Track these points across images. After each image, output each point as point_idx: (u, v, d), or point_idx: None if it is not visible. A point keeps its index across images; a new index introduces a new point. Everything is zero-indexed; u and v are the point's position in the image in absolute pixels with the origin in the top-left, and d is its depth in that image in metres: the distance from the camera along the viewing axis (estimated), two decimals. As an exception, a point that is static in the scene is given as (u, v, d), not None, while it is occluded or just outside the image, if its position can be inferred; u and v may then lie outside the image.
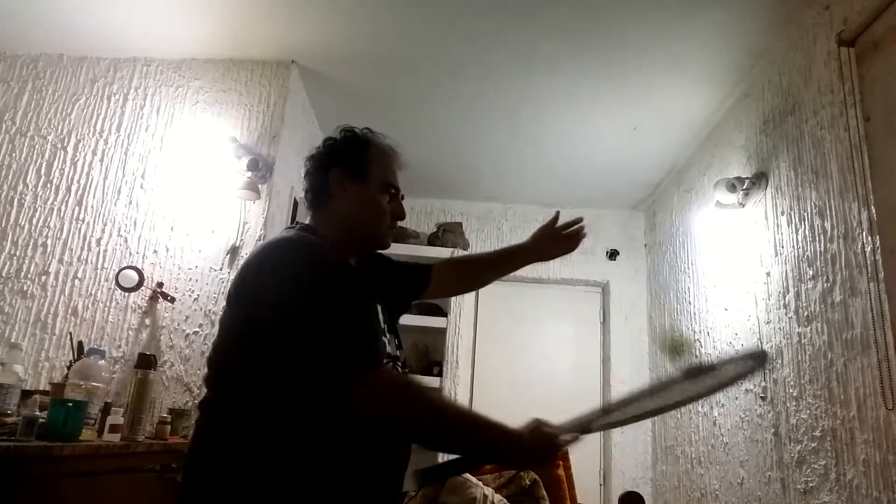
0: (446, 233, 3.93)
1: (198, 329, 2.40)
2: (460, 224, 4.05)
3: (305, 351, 0.95)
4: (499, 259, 1.59)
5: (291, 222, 2.83)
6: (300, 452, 0.97)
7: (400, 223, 1.27)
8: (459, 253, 3.89)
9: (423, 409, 0.99)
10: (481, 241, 4.10)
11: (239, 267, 1.19)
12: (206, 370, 1.11)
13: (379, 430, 0.99)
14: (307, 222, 1.21)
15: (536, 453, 1.02)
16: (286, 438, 0.97)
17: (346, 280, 1.06)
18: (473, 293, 4.03)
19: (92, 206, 2.56)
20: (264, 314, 0.99)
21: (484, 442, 1.00)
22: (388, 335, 1.16)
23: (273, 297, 0.99)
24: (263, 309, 0.99)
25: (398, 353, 1.18)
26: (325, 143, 1.23)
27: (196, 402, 2.27)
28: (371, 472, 1.02)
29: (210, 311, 2.41)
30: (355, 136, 1.21)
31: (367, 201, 1.17)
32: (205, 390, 1.10)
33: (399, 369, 1.16)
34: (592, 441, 3.77)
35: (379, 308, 1.15)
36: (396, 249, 3.70)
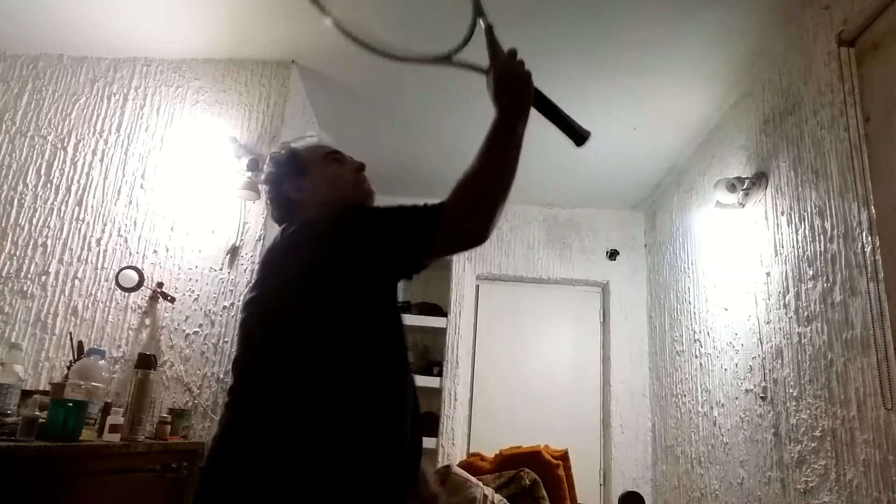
0: (446, 233, 3.93)
1: (198, 329, 2.40)
2: (460, 224, 4.04)
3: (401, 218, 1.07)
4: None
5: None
6: (341, 438, 0.99)
7: None
8: (459, 253, 3.89)
9: (488, 174, 1.14)
10: (481, 241, 4.10)
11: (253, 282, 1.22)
12: (239, 363, 1.12)
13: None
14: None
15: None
16: (328, 426, 0.99)
17: None
18: (474, 293, 4.04)
19: (92, 206, 2.56)
20: (336, 247, 1.06)
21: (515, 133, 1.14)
22: None
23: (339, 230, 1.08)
24: (332, 247, 1.06)
25: None
26: (265, 177, 1.33)
27: (196, 401, 2.29)
28: (399, 457, 1.05)
29: (210, 311, 2.41)
30: (280, 154, 1.32)
31: (325, 179, 1.26)
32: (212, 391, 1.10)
33: None
34: (592, 441, 3.77)
35: None
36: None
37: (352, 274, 1.06)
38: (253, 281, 1.21)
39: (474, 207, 1.09)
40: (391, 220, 1.08)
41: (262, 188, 1.37)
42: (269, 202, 1.33)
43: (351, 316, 1.06)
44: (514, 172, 1.13)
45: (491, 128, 1.12)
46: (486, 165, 1.12)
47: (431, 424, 3.64)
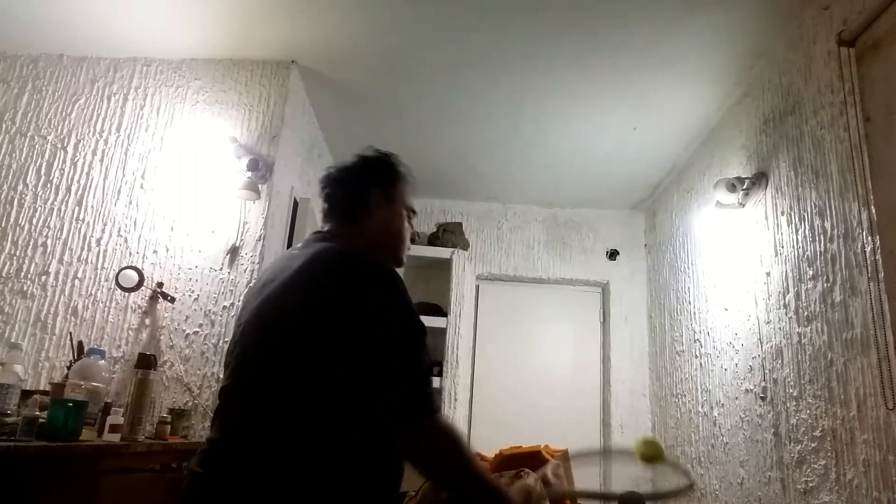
0: (446, 233, 3.93)
1: (198, 329, 2.40)
2: (460, 224, 4.05)
3: (405, 381, 1.04)
4: None
5: (291, 222, 2.84)
6: (347, 462, 1.02)
7: None
8: (459, 253, 3.88)
9: (463, 464, 1.08)
10: (481, 241, 4.10)
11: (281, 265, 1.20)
12: (242, 358, 1.12)
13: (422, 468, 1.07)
14: (328, 229, 1.28)
15: None
16: (339, 447, 1.02)
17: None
18: (474, 293, 4.04)
19: (92, 206, 2.56)
20: (371, 338, 1.03)
21: (487, 497, 1.08)
22: None
23: (394, 332, 1.05)
24: (404, 340, 1.06)
25: None
26: (360, 159, 1.31)
27: (196, 401, 2.29)
28: (391, 474, 1.08)
29: (210, 311, 2.41)
30: (388, 159, 1.32)
31: (397, 222, 1.29)
32: (215, 390, 1.11)
33: None
34: (592, 441, 3.77)
35: None
36: (396, 249, 3.70)
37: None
38: (268, 279, 1.16)
39: (438, 466, 1.08)
40: (400, 363, 1.05)
41: (333, 171, 1.31)
42: (338, 182, 1.29)
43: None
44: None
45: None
46: (462, 480, 1.09)
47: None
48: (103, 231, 2.53)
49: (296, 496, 0.98)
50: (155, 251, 2.50)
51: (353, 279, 1.08)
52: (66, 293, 2.45)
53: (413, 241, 1.36)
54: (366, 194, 1.26)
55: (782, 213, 2.29)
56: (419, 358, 1.06)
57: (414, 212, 1.35)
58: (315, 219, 2.99)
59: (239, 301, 2.37)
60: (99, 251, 2.50)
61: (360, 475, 1.03)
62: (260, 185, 2.53)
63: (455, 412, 3.69)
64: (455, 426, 1.10)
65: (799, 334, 2.12)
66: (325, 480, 1.00)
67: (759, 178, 2.46)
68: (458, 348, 3.80)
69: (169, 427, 2.02)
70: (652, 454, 1.17)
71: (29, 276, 2.46)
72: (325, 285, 1.08)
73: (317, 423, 1.01)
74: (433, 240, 3.93)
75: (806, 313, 2.09)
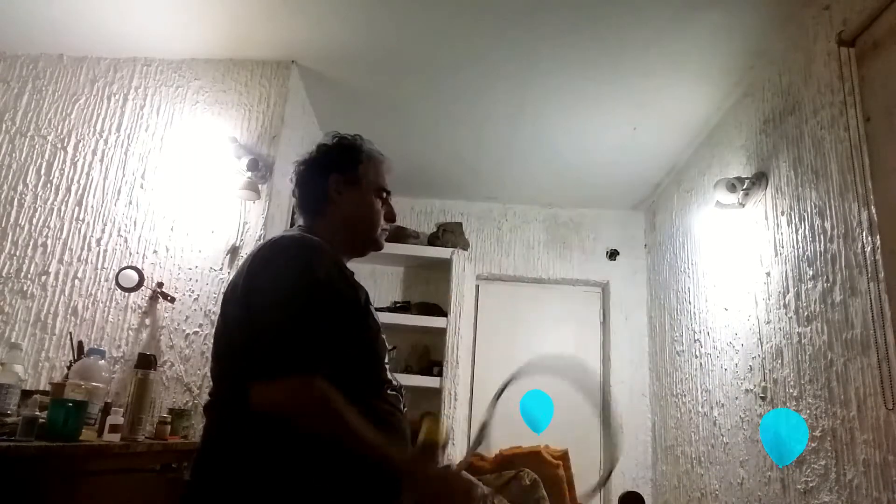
0: (446, 233, 3.93)
1: (198, 329, 2.40)
2: (460, 224, 4.05)
3: (266, 336, 1.00)
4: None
5: (291, 222, 2.84)
6: (298, 448, 1.00)
7: (400, 223, 1.32)
8: (459, 253, 3.89)
9: (329, 426, 0.99)
10: (481, 241, 4.10)
11: (238, 266, 1.22)
12: (211, 371, 1.17)
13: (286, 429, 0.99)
14: (299, 224, 1.28)
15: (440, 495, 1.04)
16: (284, 435, 1.00)
17: (340, 283, 1.10)
18: (474, 293, 4.04)
19: (92, 206, 2.56)
20: (260, 311, 1.03)
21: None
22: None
23: (268, 293, 1.04)
24: (259, 306, 1.04)
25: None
26: (318, 148, 1.30)
27: (196, 402, 2.29)
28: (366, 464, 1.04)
29: (210, 311, 2.41)
30: (348, 143, 1.29)
31: (364, 206, 1.25)
32: (207, 393, 1.14)
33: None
34: (592, 441, 3.77)
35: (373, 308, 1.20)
36: (397, 249, 3.70)
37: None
38: (238, 276, 1.15)
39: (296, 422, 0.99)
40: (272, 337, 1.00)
41: (296, 165, 1.32)
42: (299, 177, 1.29)
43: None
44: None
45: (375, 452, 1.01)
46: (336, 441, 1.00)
47: (431, 424, 3.63)
48: (103, 231, 2.53)
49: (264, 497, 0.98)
50: (155, 251, 2.50)
51: (261, 260, 1.09)
52: (66, 293, 2.45)
53: (391, 220, 1.29)
54: (324, 183, 1.24)
55: (782, 213, 2.29)
56: (283, 315, 1.00)
57: (385, 190, 1.28)
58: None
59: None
60: (99, 251, 2.50)
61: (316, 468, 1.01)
62: (260, 185, 2.53)
63: (455, 412, 3.68)
64: (336, 396, 0.99)
65: (799, 334, 2.12)
66: (280, 476, 0.99)
67: (759, 178, 2.46)
68: (458, 348, 3.79)
69: (169, 427, 2.02)
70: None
71: (29, 276, 2.46)
72: (244, 274, 1.11)
73: (249, 417, 1.00)
74: (433, 240, 3.92)
75: (806, 313, 2.09)
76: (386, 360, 1.19)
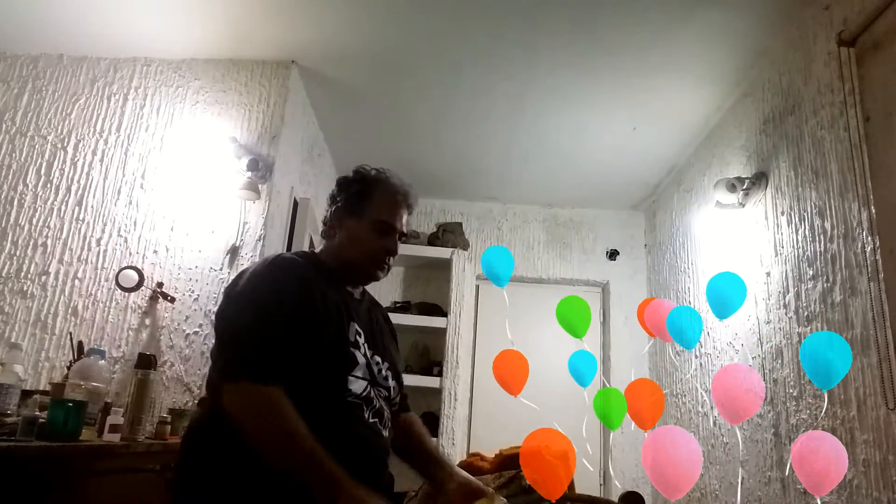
0: (446, 233, 3.93)
1: (198, 329, 2.40)
2: (460, 224, 4.05)
3: (229, 339, 1.12)
4: (424, 461, 1.38)
5: (291, 222, 2.84)
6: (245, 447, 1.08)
7: None
8: (459, 253, 3.89)
9: (273, 439, 1.04)
10: (481, 241, 4.10)
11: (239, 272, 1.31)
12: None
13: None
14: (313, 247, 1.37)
15: None
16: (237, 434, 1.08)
17: (303, 292, 1.16)
18: (474, 293, 4.04)
19: (92, 206, 2.56)
20: (227, 319, 1.16)
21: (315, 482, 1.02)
22: (373, 357, 1.24)
23: (233, 303, 1.17)
24: (227, 315, 1.17)
25: (390, 383, 1.29)
26: (337, 180, 1.38)
27: (196, 402, 2.29)
28: (347, 453, 1.07)
29: (210, 311, 2.41)
30: (363, 176, 1.34)
31: (358, 238, 1.30)
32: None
33: (379, 385, 1.24)
34: (592, 441, 3.77)
35: (356, 327, 1.23)
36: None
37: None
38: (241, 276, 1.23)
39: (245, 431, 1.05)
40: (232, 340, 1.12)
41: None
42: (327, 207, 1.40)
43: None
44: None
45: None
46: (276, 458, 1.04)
47: (431, 424, 3.63)
48: (103, 231, 2.53)
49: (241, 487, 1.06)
50: (155, 251, 2.50)
51: (245, 274, 1.21)
52: (66, 293, 2.45)
53: (392, 255, 1.31)
54: (332, 215, 1.34)
55: (782, 213, 2.29)
56: (245, 323, 1.11)
57: (387, 223, 1.30)
58: (315, 218, 2.99)
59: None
60: (99, 251, 2.50)
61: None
62: (260, 185, 2.53)
63: (455, 412, 3.68)
64: (278, 403, 1.04)
65: (799, 334, 2.12)
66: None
67: (759, 178, 2.46)
68: (458, 348, 3.79)
69: (169, 427, 2.02)
70: None
71: (29, 276, 2.46)
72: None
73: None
74: (433, 240, 3.92)
75: (806, 313, 2.09)
76: (379, 370, 1.24)
